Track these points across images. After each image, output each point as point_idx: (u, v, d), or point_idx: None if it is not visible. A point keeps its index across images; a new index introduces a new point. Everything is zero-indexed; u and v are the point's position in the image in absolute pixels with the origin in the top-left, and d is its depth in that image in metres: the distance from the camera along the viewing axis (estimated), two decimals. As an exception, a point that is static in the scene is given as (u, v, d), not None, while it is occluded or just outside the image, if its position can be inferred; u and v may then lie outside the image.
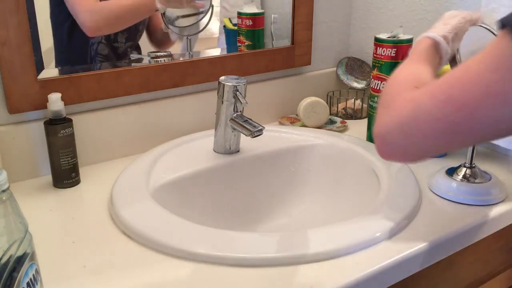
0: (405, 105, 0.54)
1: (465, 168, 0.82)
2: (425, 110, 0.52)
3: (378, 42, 0.96)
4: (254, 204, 0.92)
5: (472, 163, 0.82)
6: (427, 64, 0.66)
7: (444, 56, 0.70)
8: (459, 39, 0.72)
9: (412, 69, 0.64)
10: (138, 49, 1.01)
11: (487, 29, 0.75)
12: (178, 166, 0.87)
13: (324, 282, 0.60)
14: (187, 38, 1.06)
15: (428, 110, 0.51)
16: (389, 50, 0.95)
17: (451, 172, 0.83)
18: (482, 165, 0.86)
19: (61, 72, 0.88)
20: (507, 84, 0.46)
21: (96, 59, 0.95)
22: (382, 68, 0.96)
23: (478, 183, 0.80)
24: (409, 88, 0.56)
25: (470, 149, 0.83)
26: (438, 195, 0.81)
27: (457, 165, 0.84)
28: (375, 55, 0.97)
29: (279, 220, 0.92)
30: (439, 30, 0.70)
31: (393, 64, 0.95)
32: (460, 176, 0.82)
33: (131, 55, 0.99)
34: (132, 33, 0.99)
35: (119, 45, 0.97)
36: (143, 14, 0.95)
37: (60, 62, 0.90)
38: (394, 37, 0.95)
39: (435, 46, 0.69)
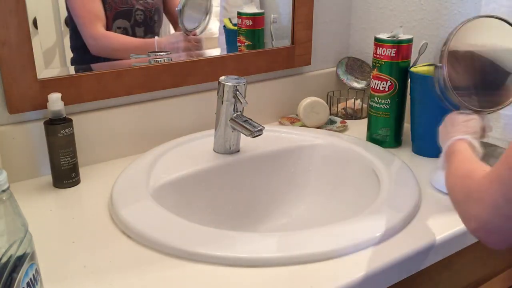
0: (488, 188, 0.53)
1: None
2: (510, 182, 0.50)
3: (378, 42, 0.96)
4: (254, 204, 0.92)
5: None
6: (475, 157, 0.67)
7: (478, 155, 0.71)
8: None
9: (467, 161, 0.65)
10: None
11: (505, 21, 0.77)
12: (178, 166, 0.87)
13: (324, 282, 0.60)
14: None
15: None
16: (389, 50, 0.95)
17: None
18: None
19: (77, 70, 0.94)
20: None
21: None
22: (382, 68, 0.96)
23: None
24: (479, 175, 0.56)
25: None
26: (439, 190, 0.81)
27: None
28: (375, 55, 0.97)
29: (279, 220, 0.92)
30: (465, 132, 0.73)
31: (393, 64, 0.95)
32: None
33: (131, 55, 1.00)
34: (148, 26, 1.01)
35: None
36: (138, 53, 1.01)
37: (76, 60, 0.95)
38: (394, 37, 0.95)
39: (471, 146, 0.71)
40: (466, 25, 0.81)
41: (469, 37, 0.82)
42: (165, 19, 1.06)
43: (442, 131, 0.79)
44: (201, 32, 1.07)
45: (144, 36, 1.02)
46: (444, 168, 0.70)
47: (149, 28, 1.02)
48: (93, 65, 0.95)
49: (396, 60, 0.95)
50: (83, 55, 0.96)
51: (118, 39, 0.99)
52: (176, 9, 1.03)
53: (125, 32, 0.99)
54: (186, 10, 1.04)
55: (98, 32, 0.96)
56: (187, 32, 1.05)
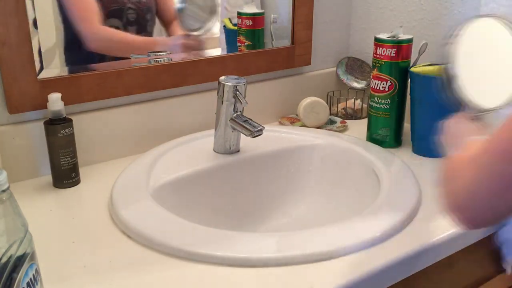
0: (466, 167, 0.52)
1: None
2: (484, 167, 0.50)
3: (378, 42, 0.96)
4: (254, 204, 0.92)
5: None
6: None
7: None
8: None
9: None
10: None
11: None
12: (178, 166, 0.87)
13: (324, 282, 0.60)
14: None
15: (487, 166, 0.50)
16: (389, 50, 0.95)
17: None
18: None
19: (70, 71, 0.92)
20: None
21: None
22: (382, 68, 0.96)
23: None
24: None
25: None
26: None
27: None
28: (375, 55, 0.97)
29: (279, 220, 0.92)
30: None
31: (393, 64, 0.95)
32: None
33: (131, 55, 1.00)
34: (141, 25, 1.01)
35: None
36: (138, 51, 1.01)
37: (69, 60, 0.94)
38: (394, 37, 0.95)
39: None
40: (473, 22, 0.79)
41: (475, 35, 0.81)
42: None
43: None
44: (204, 33, 1.07)
45: (136, 34, 1.02)
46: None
47: (142, 27, 1.01)
48: (92, 65, 0.95)
49: (396, 60, 0.95)
50: (76, 55, 0.96)
51: (118, 34, 0.99)
52: (177, 8, 1.03)
53: (117, 28, 0.99)
54: (187, 10, 1.04)
55: (97, 27, 0.96)
56: (188, 33, 1.05)
